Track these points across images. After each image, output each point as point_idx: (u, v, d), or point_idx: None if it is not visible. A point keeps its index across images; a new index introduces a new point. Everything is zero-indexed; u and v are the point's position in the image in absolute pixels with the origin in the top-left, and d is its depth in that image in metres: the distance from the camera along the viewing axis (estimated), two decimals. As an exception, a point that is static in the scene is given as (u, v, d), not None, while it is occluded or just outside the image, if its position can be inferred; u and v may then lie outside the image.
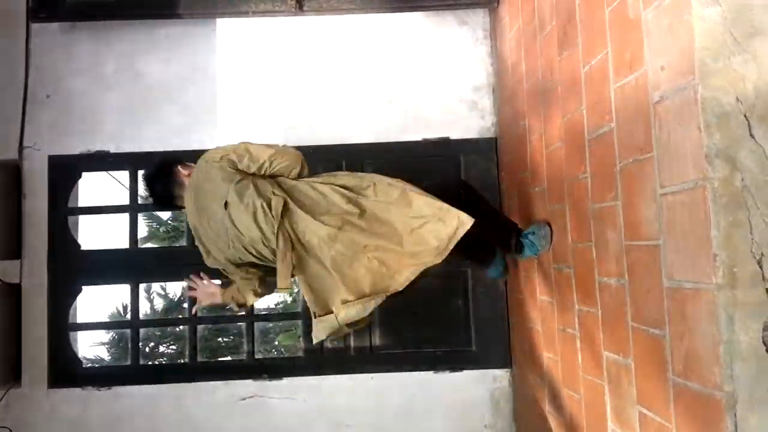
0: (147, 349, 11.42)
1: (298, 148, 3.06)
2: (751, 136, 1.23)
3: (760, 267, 1.20)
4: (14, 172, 3.08)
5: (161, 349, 11.85)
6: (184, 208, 2.23)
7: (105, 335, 11.25)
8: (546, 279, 2.37)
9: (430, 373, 2.99)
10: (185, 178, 2.20)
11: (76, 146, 3.06)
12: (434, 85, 3.14)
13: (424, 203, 2.04)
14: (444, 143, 3.09)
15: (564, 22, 2.05)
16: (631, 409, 1.64)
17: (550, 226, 2.28)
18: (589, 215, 1.87)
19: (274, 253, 2.00)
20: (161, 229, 11.31)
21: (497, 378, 3.01)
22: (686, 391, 1.35)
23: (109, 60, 3.12)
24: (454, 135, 3.11)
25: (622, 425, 1.71)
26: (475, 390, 2.99)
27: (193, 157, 3.03)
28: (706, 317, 1.25)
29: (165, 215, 11.54)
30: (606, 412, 1.82)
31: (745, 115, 1.23)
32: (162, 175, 2.25)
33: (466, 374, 3.00)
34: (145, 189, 2.33)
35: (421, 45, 3.17)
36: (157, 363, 10.08)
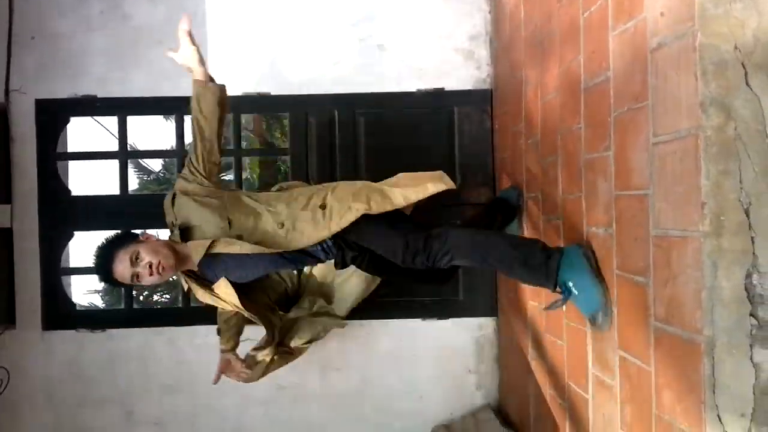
0: (141, 298, 11.53)
1: (290, 96, 3.05)
2: (748, 85, 1.22)
3: (747, 216, 1.22)
4: (2, 115, 3.03)
5: (155, 297, 11.96)
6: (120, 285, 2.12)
7: (99, 283, 11.31)
8: (535, 230, 2.40)
9: (418, 320, 3.06)
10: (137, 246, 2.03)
11: (63, 90, 3.01)
12: (430, 34, 3.08)
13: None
14: (438, 94, 3.06)
15: (564, -32, 2.00)
16: (611, 354, 1.69)
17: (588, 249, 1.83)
18: (581, 166, 1.88)
19: None
20: (151, 177, 11.24)
21: (482, 326, 3.08)
22: (667, 336, 1.39)
23: (95, 1, 3.03)
24: (449, 86, 3.08)
25: (602, 369, 1.77)
26: (460, 337, 3.07)
27: (182, 103, 3.01)
28: (691, 264, 1.28)
29: (156, 165, 11.45)
30: (587, 357, 1.87)
31: (742, 64, 1.23)
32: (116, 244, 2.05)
33: (453, 322, 3.07)
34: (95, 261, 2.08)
35: (416, -9, 3.10)
36: (150, 307, 10.19)
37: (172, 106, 3.07)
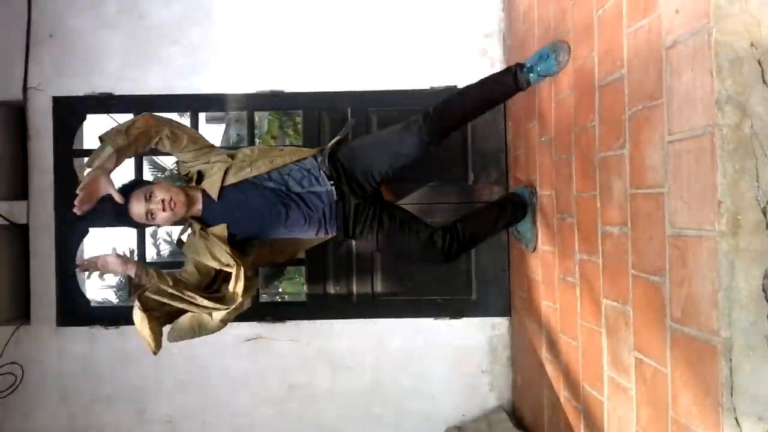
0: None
1: (303, 94, 3.06)
2: (764, 82, 1.20)
3: (764, 215, 1.20)
4: (19, 112, 3.07)
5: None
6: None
7: (112, 278, 11.43)
8: (548, 228, 2.38)
9: (431, 319, 3.05)
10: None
11: (79, 87, 3.04)
12: (443, 32, 3.07)
13: None
14: (451, 92, 3.04)
15: (578, -35, 1.98)
16: (627, 355, 1.67)
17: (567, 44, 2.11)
18: (595, 164, 1.86)
19: None
20: (165, 174, 11.34)
21: (496, 325, 3.06)
22: (683, 337, 1.37)
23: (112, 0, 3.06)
24: (462, 83, 3.05)
25: (617, 370, 1.75)
26: (473, 337, 3.05)
27: (195, 100, 3.04)
28: (707, 264, 1.26)
29: (169, 162, 11.52)
30: (602, 358, 1.85)
31: (758, 61, 1.21)
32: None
33: (466, 321, 3.05)
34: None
35: (430, -11, 3.09)
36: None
37: (186, 104, 3.09)
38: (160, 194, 2.13)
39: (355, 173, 2.30)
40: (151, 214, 2.13)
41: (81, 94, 3.04)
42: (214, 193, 2.23)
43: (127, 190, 2.18)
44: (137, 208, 2.14)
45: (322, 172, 2.29)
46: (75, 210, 2.06)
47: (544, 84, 2.37)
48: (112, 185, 2.10)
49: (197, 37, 3.06)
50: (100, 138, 2.14)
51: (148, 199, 2.13)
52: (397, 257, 2.37)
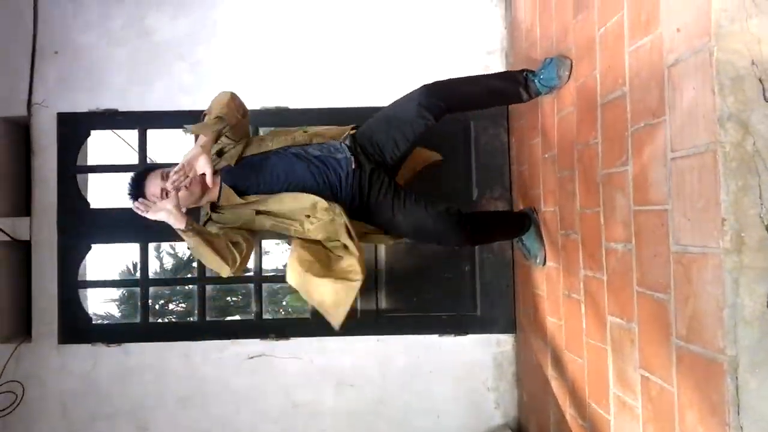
0: (156, 307, 11.61)
1: (309, 110, 3.08)
2: (765, 100, 1.21)
3: (769, 232, 1.19)
4: (23, 128, 3.09)
5: (171, 306, 12.03)
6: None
7: (115, 292, 11.43)
8: (552, 245, 2.38)
9: (435, 336, 3.03)
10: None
11: (84, 104, 3.06)
12: (447, 49, 3.10)
13: None
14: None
15: (580, -17, 2.00)
16: (633, 373, 1.66)
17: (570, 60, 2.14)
18: (599, 181, 1.87)
19: None
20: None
21: (501, 342, 3.04)
22: (689, 355, 1.36)
23: (118, 15, 3.10)
24: (464, 100, 3.07)
25: (623, 388, 1.73)
26: (478, 354, 3.03)
27: (201, 117, 3.05)
28: (711, 281, 1.25)
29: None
30: (608, 376, 1.84)
31: (759, 79, 1.21)
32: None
33: (470, 338, 3.03)
34: (129, 184, 2.26)
35: (434, 7, 3.12)
36: (166, 321, 10.25)
37: (192, 120, 3.10)
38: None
39: (372, 145, 2.33)
40: (166, 193, 2.12)
41: (85, 110, 3.06)
42: (232, 162, 2.29)
43: (143, 172, 2.23)
44: (153, 187, 2.16)
45: (342, 144, 2.34)
46: (169, 186, 2.06)
47: (547, 100, 2.38)
48: (210, 165, 2.10)
49: (203, 53, 3.09)
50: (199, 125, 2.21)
51: (164, 178, 2.14)
52: (414, 228, 2.30)
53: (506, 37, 3.08)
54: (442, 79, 2.29)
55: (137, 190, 2.20)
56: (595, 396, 1.97)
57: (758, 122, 1.20)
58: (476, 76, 2.48)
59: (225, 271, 2.19)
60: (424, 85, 2.25)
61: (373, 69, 3.09)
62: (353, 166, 2.27)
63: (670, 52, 1.41)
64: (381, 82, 3.08)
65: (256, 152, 2.32)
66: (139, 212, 2.11)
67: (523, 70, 2.36)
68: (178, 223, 2.07)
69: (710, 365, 1.27)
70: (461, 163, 3.06)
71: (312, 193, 2.20)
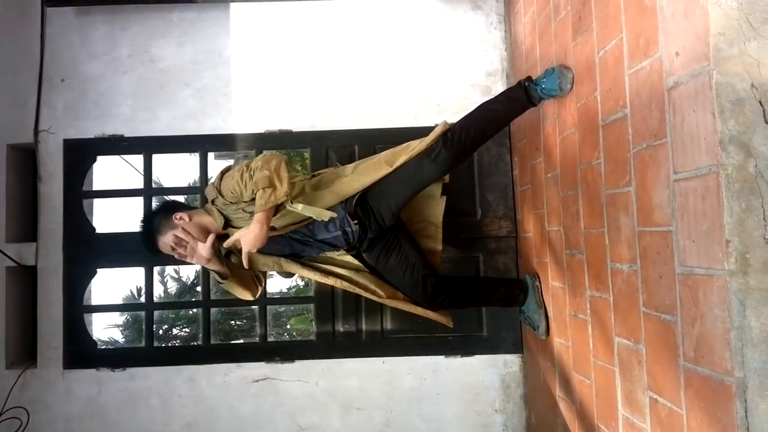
0: (161, 332, 11.57)
1: (311, 133, 3.10)
2: (766, 122, 1.22)
3: (773, 253, 1.19)
4: (30, 155, 3.12)
5: (175, 331, 11.98)
6: (161, 255, 2.25)
7: (119, 317, 11.40)
8: (558, 265, 2.37)
9: (441, 357, 3.02)
10: (178, 222, 2.20)
11: (91, 130, 3.10)
12: (447, 71, 3.13)
13: None
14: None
15: (579, 7, 2.03)
16: (641, 395, 1.65)
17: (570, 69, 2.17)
18: (602, 201, 1.87)
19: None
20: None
21: (508, 363, 3.02)
22: (697, 377, 1.35)
23: (124, 44, 3.14)
24: (467, 120, 3.09)
25: (632, 410, 1.72)
26: (485, 375, 3.01)
27: (206, 140, 3.08)
28: (718, 303, 1.25)
29: (179, 200, 11.61)
30: (617, 398, 1.83)
31: (759, 102, 1.22)
32: (160, 214, 2.25)
33: (477, 359, 3.02)
34: (140, 225, 2.28)
35: (434, 29, 3.16)
36: (170, 345, 10.19)
37: (197, 144, 3.13)
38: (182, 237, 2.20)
39: (381, 209, 2.32)
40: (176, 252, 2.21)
41: (92, 136, 3.09)
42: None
43: (150, 221, 2.25)
44: (163, 244, 2.21)
45: (347, 215, 2.30)
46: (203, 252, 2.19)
47: (549, 121, 2.40)
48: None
49: (208, 79, 3.13)
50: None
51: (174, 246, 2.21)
52: (389, 282, 2.45)
53: (506, 59, 3.11)
54: (455, 131, 2.30)
55: (150, 245, 2.23)
56: (604, 418, 1.95)
57: (760, 144, 1.21)
58: (483, 110, 2.41)
59: (248, 297, 2.40)
60: (444, 146, 2.26)
61: (375, 92, 3.12)
62: (357, 237, 2.32)
63: (670, 75, 1.43)
64: (383, 105, 3.11)
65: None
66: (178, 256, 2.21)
67: (521, 84, 2.39)
68: (219, 274, 2.29)
69: (719, 387, 1.26)
70: (465, 183, 3.07)
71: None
